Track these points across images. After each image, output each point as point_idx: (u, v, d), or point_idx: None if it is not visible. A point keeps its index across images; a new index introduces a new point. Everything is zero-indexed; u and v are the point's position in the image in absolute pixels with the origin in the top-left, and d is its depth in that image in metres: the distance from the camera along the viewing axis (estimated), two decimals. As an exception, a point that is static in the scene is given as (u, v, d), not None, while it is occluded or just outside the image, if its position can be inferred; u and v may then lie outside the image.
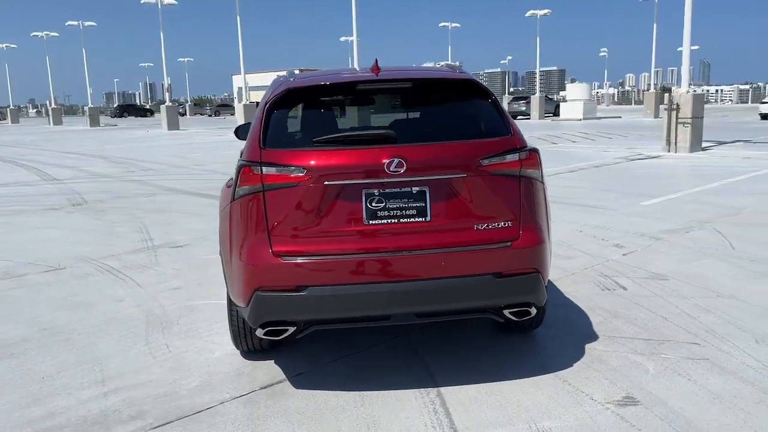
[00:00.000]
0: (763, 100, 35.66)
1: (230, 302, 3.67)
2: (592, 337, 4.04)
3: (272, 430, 3.07)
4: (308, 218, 3.15)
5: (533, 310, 3.37)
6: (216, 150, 20.86)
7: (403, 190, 3.16)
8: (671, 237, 6.67)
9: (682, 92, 15.21)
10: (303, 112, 3.60)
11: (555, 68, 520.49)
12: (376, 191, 3.15)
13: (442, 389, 3.41)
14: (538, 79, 50.12)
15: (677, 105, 15.08)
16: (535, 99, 43.54)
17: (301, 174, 3.12)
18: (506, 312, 3.32)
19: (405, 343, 4.08)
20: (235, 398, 3.40)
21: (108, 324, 4.59)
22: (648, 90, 50.61)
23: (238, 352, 3.99)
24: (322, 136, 3.24)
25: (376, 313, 3.21)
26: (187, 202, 10.09)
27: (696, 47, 57.92)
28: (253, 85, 63.44)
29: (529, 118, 41.80)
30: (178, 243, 7.13)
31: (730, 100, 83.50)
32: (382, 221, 3.16)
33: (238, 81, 72.57)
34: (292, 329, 3.25)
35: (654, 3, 41.54)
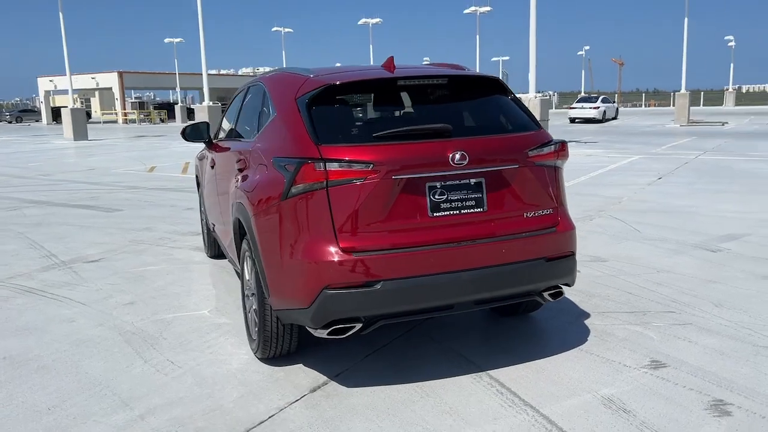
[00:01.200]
0: (572, 105, 39.81)
1: (262, 307, 3.53)
2: (585, 314, 4.42)
3: (356, 428, 3.02)
4: (374, 213, 3.14)
5: (564, 290, 3.64)
6: (54, 159, 18.99)
7: (462, 182, 3.26)
8: (582, 225, 7.38)
9: (531, 97, 16.69)
10: (345, 107, 3.55)
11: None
12: (438, 184, 3.22)
13: (491, 372, 3.56)
14: None
15: (527, 108, 16.48)
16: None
17: (367, 169, 3.10)
18: (546, 294, 3.55)
19: (420, 333, 4.16)
20: (292, 403, 3.28)
21: (79, 346, 4.14)
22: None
23: (255, 360, 3.82)
24: (382, 131, 3.24)
25: (444, 302, 3.27)
26: (67, 215, 9.17)
27: (506, 58, 62.79)
28: (63, 88, 58.06)
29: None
30: (91, 257, 6.51)
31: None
32: (445, 213, 3.24)
33: (44, 84, 66.25)
34: (357, 326, 3.21)
35: (476, 16, 44.71)
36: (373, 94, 3.57)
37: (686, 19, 36.87)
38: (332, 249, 3.11)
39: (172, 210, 9.30)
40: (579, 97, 41.47)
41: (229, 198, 4.28)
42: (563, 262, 3.50)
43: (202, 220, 6.57)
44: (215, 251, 6.22)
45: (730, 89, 65.53)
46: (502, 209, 3.35)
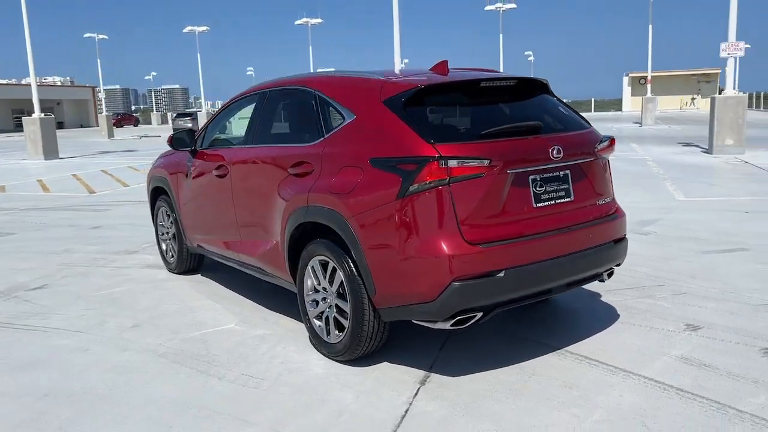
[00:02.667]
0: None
1: (359, 308, 3.54)
2: (596, 294, 4.90)
3: (494, 409, 3.17)
4: (491, 206, 3.32)
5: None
6: None
7: (554, 174, 3.56)
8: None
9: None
10: (437, 107, 3.66)
11: (178, 86, 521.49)
12: (538, 177, 3.49)
13: (568, 349, 3.88)
14: (154, 97, 49.77)
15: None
16: (203, 116, 43.32)
17: (485, 164, 3.28)
18: (605, 273, 3.95)
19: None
20: (413, 397, 3.34)
21: (123, 373, 3.80)
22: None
23: (336, 363, 3.80)
24: (485, 129, 3.43)
25: (548, 287, 3.54)
26: (-52, 242, 7.99)
27: (331, 69, 64.49)
28: None
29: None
30: (31, 285, 5.83)
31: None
32: (545, 203, 3.51)
33: None
34: (478, 315, 3.36)
35: (308, 28, 45.17)
36: (457, 96, 3.73)
37: (501, 35, 40.45)
38: (458, 242, 3.23)
39: (74, 230, 8.49)
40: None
41: (271, 205, 4.17)
42: (622, 244, 3.93)
43: (161, 235, 6.16)
44: (189, 266, 5.89)
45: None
46: (583, 198, 3.70)
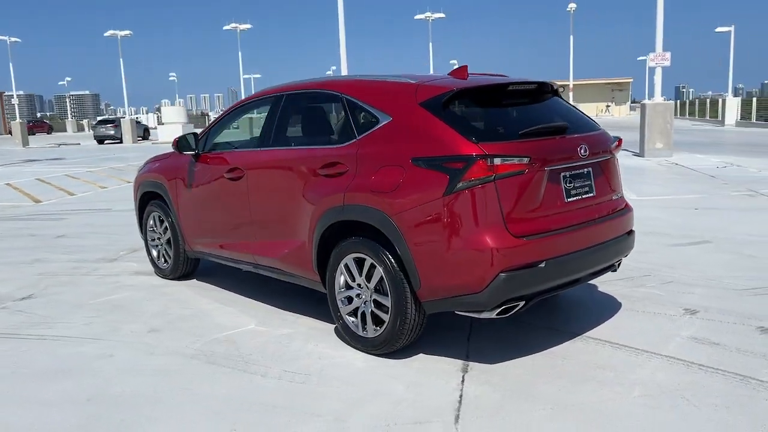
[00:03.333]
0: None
1: (402, 301, 3.69)
2: (593, 285, 5.23)
3: (546, 391, 3.40)
4: (532, 200, 3.56)
5: None
6: None
7: (580, 171, 3.84)
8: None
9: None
10: (471, 109, 3.85)
11: (88, 92, 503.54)
12: (568, 173, 3.75)
13: (588, 335, 4.16)
14: (69, 104, 48.10)
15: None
16: (126, 123, 41.84)
17: (525, 162, 3.52)
18: (616, 264, 4.27)
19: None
20: (461, 384, 3.52)
21: (160, 375, 3.81)
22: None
23: (374, 357, 3.93)
24: (525, 129, 3.67)
25: (579, 275, 3.81)
26: None
27: (258, 75, 63.33)
28: None
29: (121, 143, 39.83)
30: (18, 295, 5.64)
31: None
32: (574, 198, 3.78)
33: None
34: (521, 304, 3.58)
35: (237, 33, 44.57)
36: (488, 98, 3.93)
37: (430, 44, 41.31)
38: (505, 235, 3.45)
39: (37, 240, 8.18)
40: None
41: (296, 206, 4.26)
42: (631, 236, 4.26)
43: (151, 240, 6.08)
44: (184, 271, 5.84)
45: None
46: (602, 194, 4.00)
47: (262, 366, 3.87)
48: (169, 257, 5.87)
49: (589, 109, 61.68)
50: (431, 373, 3.68)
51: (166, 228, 5.83)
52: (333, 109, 4.28)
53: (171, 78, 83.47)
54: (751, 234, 7.01)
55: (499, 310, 3.52)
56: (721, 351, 3.82)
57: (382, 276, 3.81)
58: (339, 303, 4.13)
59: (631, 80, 65.36)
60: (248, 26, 44.54)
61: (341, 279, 4.09)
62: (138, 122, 47.16)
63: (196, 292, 5.54)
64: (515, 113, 3.96)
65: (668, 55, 15.80)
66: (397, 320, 3.75)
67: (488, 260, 3.42)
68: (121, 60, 45.89)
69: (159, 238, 5.99)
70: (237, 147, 5.21)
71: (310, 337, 4.32)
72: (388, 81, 4.09)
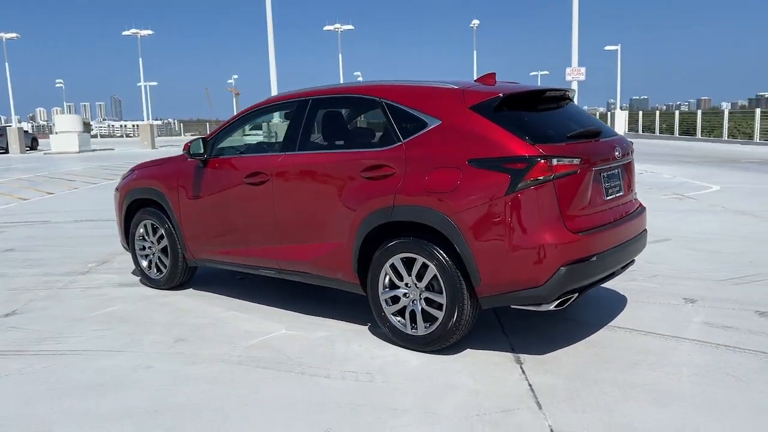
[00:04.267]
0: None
1: (458, 298, 3.82)
2: (589, 280, 5.58)
3: (604, 376, 3.64)
4: (583, 198, 3.81)
5: None
6: None
7: (614, 171, 4.14)
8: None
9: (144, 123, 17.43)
10: (516, 113, 4.00)
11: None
12: (606, 173, 4.04)
13: (612, 325, 4.47)
14: None
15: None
16: (13, 131, 39.10)
17: (577, 162, 3.76)
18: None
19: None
20: (522, 374, 3.70)
21: (217, 382, 3.72)
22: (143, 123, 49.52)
23: (425, 354, 4.03)
24: (571, 132, 3.92)
25: (616, 269, 4.09)
26: None
27: (155, 83, 61.37)
28: None
29: (7, 153, 37.14)
30: (3, 312, 5.28)
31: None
32: (611, 196, 4.07)
33: None
34: (574, 296, 3.81)
35: (136, 38, 42.84)
36: (527, 102, 4.13)
37: (340, 55, 41.67)
38: (564, 231, 3.67)
39: (-18, 255, 7.60)
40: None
41: (334, 208, 4.29)
42: (646, 234, 4.62)
43: (140, 250, 5.84)
44: (182, 280, 5.66)
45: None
46: (628, 193, 4.32)
47: (320, 368, 3.87)
48: (164, 266, 5.66)
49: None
50: (489, 366, 3.83)
51: (161, 236, 5.62)
52: (369, 113, 4.35)
53: (58, 85, 78.57)
54: (699, 232, 7.69)
55: (558, 302, 3.73)
56: (737, 333, 4.22)
57: (435, 274, 3.91)
58: (383, 303, 4.19)
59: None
60: (149, 32, 42.95)
61: (386, 279, 4.16)
62: (26, 132, 44.19)
63: (200, 301, 5.39)
64: (553, 117, 4.19)
65: (583, 70, 16.91)
66: (452, 317, 3.87)
67: (550, 255, 3.63)
68: (6, 65, 43.02)
69: (150, 247, 5.76)
70: (253, 151, 5.14)
71: (349, 339, 4.35)
72: (430, 86, 4.23)
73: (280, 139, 5.05)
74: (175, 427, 3.20)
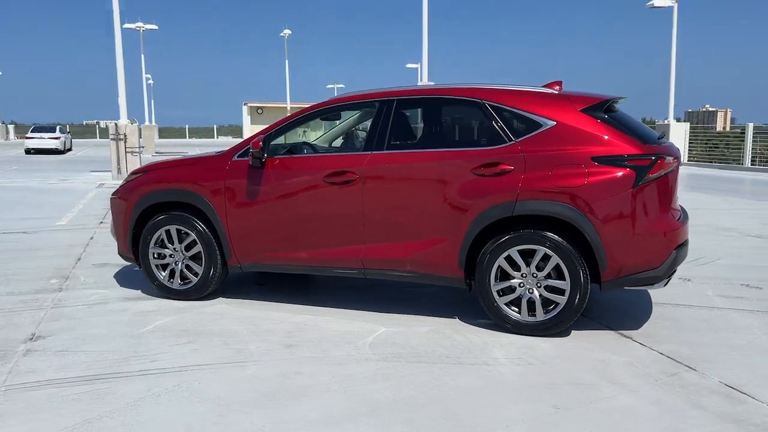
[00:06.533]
0: (29, 135, 35.15)
1: (578, 282, 4.24)
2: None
3: (709, 341, 4.34)
4: (674, 193, 4.48)
5: None
6: None
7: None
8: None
9: (128, 123, 16.05)
10: (612, 116, 4.50)
11: None
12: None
13: (657, 301, 5.22)
14: None
15: (125, 135, 15.84)
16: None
17: (673, 161, 4.42)
18: None
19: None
20: (642, 345, 4.25)
21: (409, 377, 3.74)
22: None
23: (539, 338, 4.39)
24: (654, 135, 4.56)
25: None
26: None
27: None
28: None
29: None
30: (19, 337, 4.53)
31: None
32: (674, 195, 4.78)
33: None
34: (672, 277, 4.45)
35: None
36: (609, 108, 4.64)
37: (142, 56, 39.18)
38: (673, 220, 4.32)
39: None
40: (33, 126, 37.53)
41: (441, 205, 4.46)
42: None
43: (158, 258, 5.33)
44: (214, 288, 5.29)
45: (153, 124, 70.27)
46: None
47: (471, 357, 4.05)
48: (194, 275, 5.25)
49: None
50: (610, 342, 4.32)
51: (193, 242, 5.20)
52: (468, 114, 4.58)
53: None
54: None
55: (667, 281, 4.34)
56: (749, 299, 5.23)
57: (558, 263, 4.29)
58: (495, 295, 4.45)
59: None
60: None
61: (498, 272, 4.42)
62: None
63: (251, 309, 5.12)
64: (625, 121, 4.76)
65: (432, 84, 18.12)
66: (574, 302, 4.28)
67: (669, 240, 4.24)
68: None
69: (172, 255, 5.30)
70: (326, 150, 5.03)
71: (457, 331, 4.55)
72: (533, 90, 4.60)
73: (357, 138, 5.03)
74: (414, 420, 3.19)
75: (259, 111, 63.79)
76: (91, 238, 8.19)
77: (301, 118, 5.09)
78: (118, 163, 15.94)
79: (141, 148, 16.52)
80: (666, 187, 4.30)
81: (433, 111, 4.95)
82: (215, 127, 66.93)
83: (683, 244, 4.41)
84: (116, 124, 15.97)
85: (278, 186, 4.91)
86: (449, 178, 4.48)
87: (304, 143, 5.56)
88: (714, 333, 4.48)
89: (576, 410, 3.31)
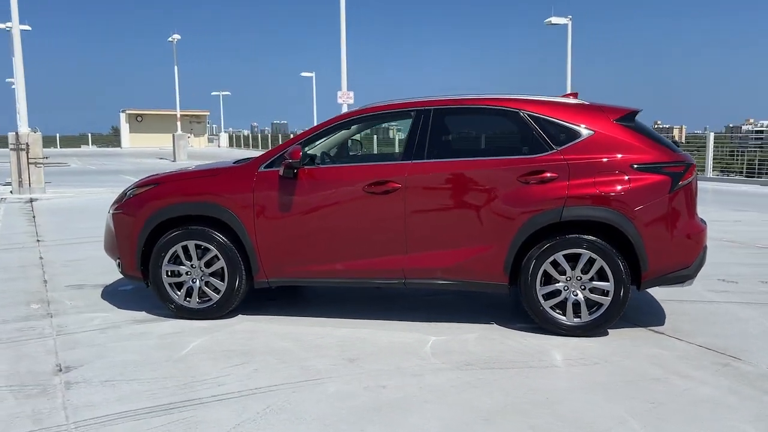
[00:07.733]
0: None
1: (621, 282, 4.49)
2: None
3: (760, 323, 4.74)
4: (696, 197, 4.85)
5: None
6: None
7: (680, 176, 5.27)
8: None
9: (30, 132, 14.75)
10: (641, 126, 4.77)
11: None
12: (682, 179, 5.14)
13: (675, 298, 5.61)
14: None
15: (27, 145, 14.55)
16: None
17: (695, 167, 4.79)
18: None
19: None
20: (689, 344, 4.58)
21: (520, 385, 3.78)
22: None
23: (583, 339, 4.59)
24: (675, 144, 4.91)
25: None
26: None
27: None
28: None
29: None
30: (46, 369, 4.12)
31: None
32: None
33: None
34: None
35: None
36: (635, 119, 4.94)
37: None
38: (699, 222, 4.68)
39: None
40: None
41: (487, 213, 4.57)
42: None
43: (171, 275, 5.01)
44: (236, 305, 5.05)
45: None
46: None
47: (536, 360, 4.17)
48: (215, 292, 4.98)
49: (167, 140, 61.82)
50: (651, 338, 4.59)
51: (215, 257, 4.94)
52: (506, 123, 4.72)
53: None
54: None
55: (695, 278, 4.69)
56: (735, 293, 5.76)
57: (602, 266, 4.51)
58: (541, 299, 4.60)
59: (208, 113, 67.57)
60: None
61: (543, 277, 4.58)
62: None
63: (283, 325, 4.93)
64: (651, 130, 5.08)
65: (352, 93, 18.25)
66: (618, 302, 4.52)
67: (698, 241, 4.60)
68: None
69: (188, 273, 5.00)
70: (361, 160, 4.96)
71: (503, 335, 4.65)
72: (568, 101, 4.81)
73: (394, 147, 4.99)
74: (538, 426, 3.25)
75: (139, 119, 60.79)
76: (41, 258, 7.50)
77: (324, 130, 5.00)
78: (20, 176, 14.62)
79: (45, 159, 15.22)
80: (693, 191, 4.65)
81: (471, 120, 5.04)
82: (90, 134, 62.74)
83: (706, 246, 4.78)
84: (17, 133, 14.63)
85: (314, 197, 4.79)
86: (494, 185, 4.59)
87: (324, 153, 5.45)
88: (729, 324, 4.89)
89: (669, 405, 3.50)
